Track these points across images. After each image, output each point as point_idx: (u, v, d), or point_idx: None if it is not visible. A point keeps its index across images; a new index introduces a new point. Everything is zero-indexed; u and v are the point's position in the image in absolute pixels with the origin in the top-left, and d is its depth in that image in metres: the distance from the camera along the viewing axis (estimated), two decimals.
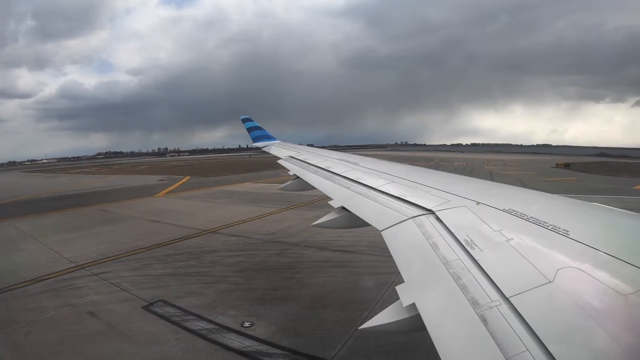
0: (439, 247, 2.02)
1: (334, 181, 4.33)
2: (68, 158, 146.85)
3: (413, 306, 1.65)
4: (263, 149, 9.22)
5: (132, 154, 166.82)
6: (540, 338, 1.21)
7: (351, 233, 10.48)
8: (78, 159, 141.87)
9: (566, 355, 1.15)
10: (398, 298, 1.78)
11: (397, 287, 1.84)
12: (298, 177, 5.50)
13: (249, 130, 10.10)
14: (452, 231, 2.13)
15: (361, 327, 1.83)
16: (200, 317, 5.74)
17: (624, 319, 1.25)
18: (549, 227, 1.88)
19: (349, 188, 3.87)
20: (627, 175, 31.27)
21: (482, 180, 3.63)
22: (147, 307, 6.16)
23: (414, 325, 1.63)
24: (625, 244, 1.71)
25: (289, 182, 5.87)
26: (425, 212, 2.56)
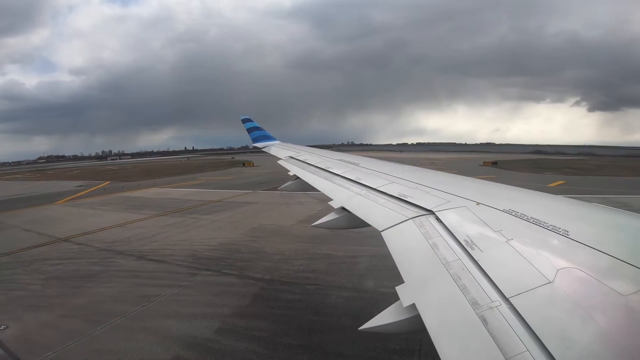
0: (439, 247, 2.02)
1: (334, 181, 4.33)
2: (8, 163, 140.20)
3: (413, 307, 1.65)
4: (263, 149, 9.23)
5: (75, 158, 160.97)
6: (540, 338, 1.21)
7: (187, 241, 10.80)
8: (18, 163, 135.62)
9: (566, 355, 1.15)
10: (397, 299, 1.78)
11: (397, 288, 1.84)
12: (298, 177, 5.50)
13: (249, 130, 10.10)
14: (452, 231, 2.13)
15: (361, 328, 1.83)
16: None
17: (624, 319, 1.25)
18: (549, 228, 1.88)
19: (348, 188, 3.87)
20: (550, 172, 31.95)
21: (482, 181, 3.63)
22: None
23: (414, 326, 1.63)
24: (625, 244, 1.71)
25: (289, 182, 5.87)
26: (425, 213, 2.56)
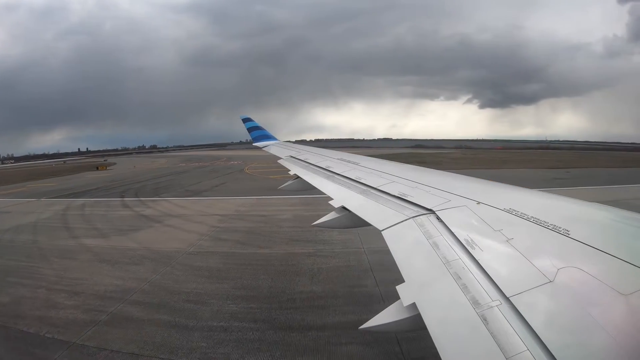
0: (440, 246, 2.02)
1: (334, 181, 4.34)
2: None
3: (413, 306, 1.66)
4: (263, 148, 9.22)
5: None
6: (541, 338, 1.21)
7: None
8: None
9: (566, 355, 1.15)
10: (398, 298, 1.78)
11: (397, 287, 1.84)
12: (299, 177, 5.50)
13: (249, 130, 10.11)
14: (453, 231, 2.13)
15: (361, 327, 1.83)
16: None
17: (624, 319, 1.25)
18: (549, 227, 1.88)
19: (349, 188, 3.87)
20: None
21: (482, 180, 3.62)
22: None
23: (415, 325, 1.63)
24: (625, 244, 1.71)
25: (289, 182, 5.86)
26: (425, 212, 2.56)
